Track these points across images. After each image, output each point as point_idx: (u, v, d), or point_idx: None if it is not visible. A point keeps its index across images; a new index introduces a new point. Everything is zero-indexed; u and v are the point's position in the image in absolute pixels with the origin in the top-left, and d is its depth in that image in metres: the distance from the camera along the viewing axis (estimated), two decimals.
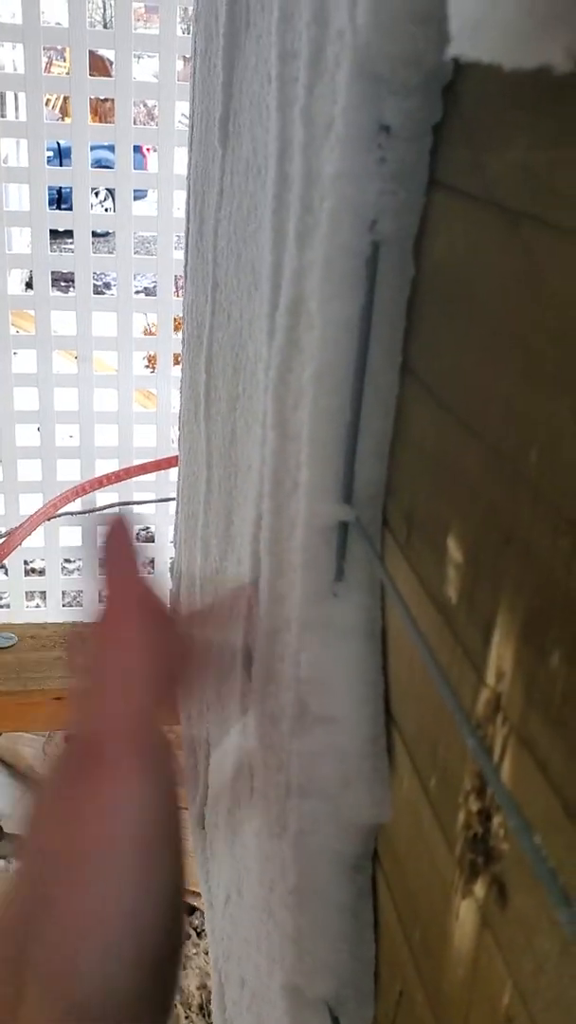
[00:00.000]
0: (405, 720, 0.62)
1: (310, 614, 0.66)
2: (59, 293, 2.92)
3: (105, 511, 2.96)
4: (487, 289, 0.49)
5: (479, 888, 0.51)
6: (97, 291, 3.04)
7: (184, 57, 2.64)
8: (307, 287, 0.64)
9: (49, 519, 2.20)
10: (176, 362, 3.08)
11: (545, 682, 0.43)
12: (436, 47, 0.48)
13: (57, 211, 2.75)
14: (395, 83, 0.51)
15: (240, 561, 0.97)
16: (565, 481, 0.41)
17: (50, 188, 2.69)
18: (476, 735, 0.49)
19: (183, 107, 2.75)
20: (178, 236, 2.77)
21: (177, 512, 1.80)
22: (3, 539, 1.93)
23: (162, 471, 2.98)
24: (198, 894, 3.11)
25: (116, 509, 3.03)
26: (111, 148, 2.67)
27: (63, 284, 5.28)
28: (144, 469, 2.61)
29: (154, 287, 2.93)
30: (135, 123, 2.66)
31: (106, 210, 3.60)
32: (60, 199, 3.46)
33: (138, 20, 2.68)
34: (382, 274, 0.58)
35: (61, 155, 6.51)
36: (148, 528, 4.08)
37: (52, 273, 2.81)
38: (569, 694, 0.41)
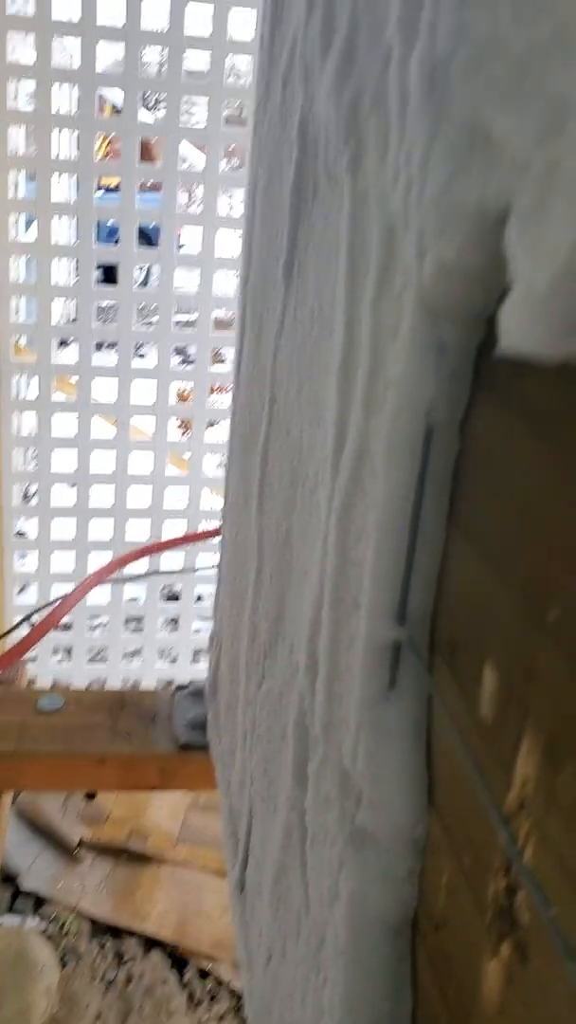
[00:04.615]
0: (445, 808, 0.78)
1: (366, 716, 0.82)
2: (99, 358, 3.12)
3: (139, 578, 3.14)
4: (516, 471, 0.66)
5: (504, 950, 0.66)
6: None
7: (228, 149, 2.86)
8: (371, 447, 0.80)
9: (101, 584, 2.37)
10: (208, 426, 3.27)
11: (560, 791, 0.58)
12: (483, 298, 0.65)
13: (104, 286, 2.96)
14: (452, 315, 0.69)
15: (293, 651, 1.13)
16: None
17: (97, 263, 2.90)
18: (505, 826, 0.64)
19: (224, 198, 2.97)
20: (216, 314, 2.98)
21: (219, 585, 1.96)
22: (54, 606, 2.09)
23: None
24: (210, 958, 3.19)
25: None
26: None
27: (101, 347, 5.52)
28: (185, 540, 2.78)
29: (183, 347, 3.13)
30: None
31: (144, 284, 3.83)
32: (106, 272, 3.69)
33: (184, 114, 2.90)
34: (434, 449, 0.75)
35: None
36: (171, 587, 4.24)
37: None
38: None
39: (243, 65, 3.01)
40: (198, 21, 2.75)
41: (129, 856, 3.35)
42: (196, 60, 3.08)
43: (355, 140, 0.87)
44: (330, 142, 0.95)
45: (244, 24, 2.75)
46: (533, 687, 0.62)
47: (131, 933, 3.09)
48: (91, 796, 3.55)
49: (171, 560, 3.33)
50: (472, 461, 0.74)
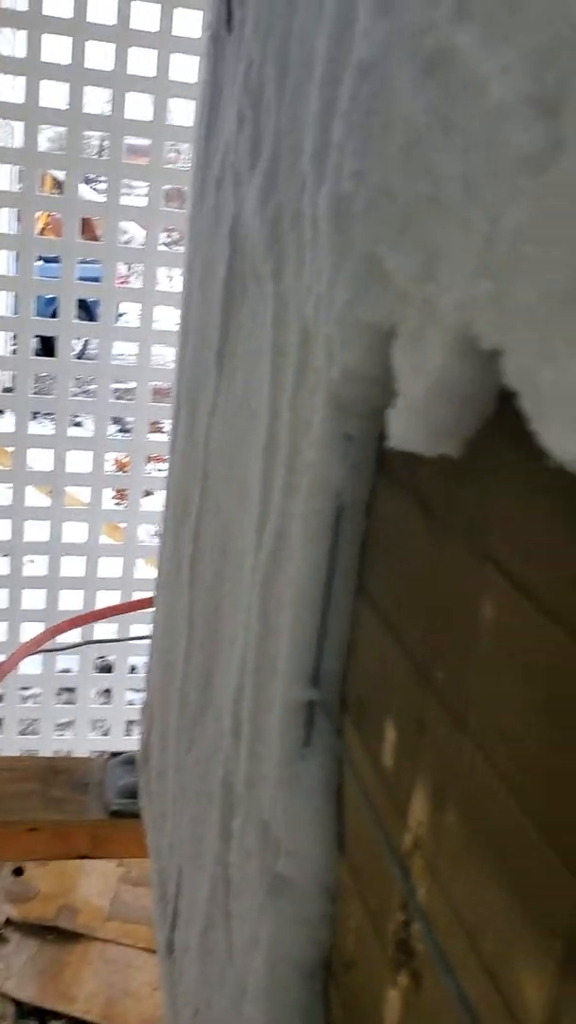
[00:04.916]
0: (354, 855, 0.87)
1: (283, 772, 0.91)
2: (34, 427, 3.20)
3: (71, 647, 3.18)
4: (411, 551, 0.76)
5: (402, 979, 0.75)
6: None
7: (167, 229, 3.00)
8: (289, 526, 0.91)
9: (33, 654, 2.42)
10: (144, 495, 3.36)
11: (445, 831, 0.68)
12: (381, 397, 0.76)
13: (42, 357, 3.06)
14: (356, 411, 0.80)
15: (219, 717, 1.21)
16: (460, 701, 0.67)
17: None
18: (400, 864, 0.74)
19: (163, 270, 3.09)
20: (152, 384, 3.09)
21: (151, 655, 2.03)
22: None
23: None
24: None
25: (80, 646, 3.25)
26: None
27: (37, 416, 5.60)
28: (116, 610, 2.85)
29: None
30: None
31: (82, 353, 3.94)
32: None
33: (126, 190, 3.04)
34: (343, 527, 0.85)
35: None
36: (104, 657, 4.27)
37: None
38: (461, 841, 0.66)
39: (187, 145, 3.18)
40: (139, 105, 2.92)
41: (57, 934, 3.33)
42: (138, 140, 3.23)
43: (277, 251, 0.99)
44: (256, 249, 1.07)
45: (185, 110, 2.91)
46: (424, 740, 0.72)
47: (58, 1015, 3.07)
48: (18, 872, 3.53)
49: (105, 630, 3.38)
50: (375, 539, 0.85)
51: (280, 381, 0.96)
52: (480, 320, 0.54)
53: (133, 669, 3.58)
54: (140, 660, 3.43)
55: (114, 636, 3.37)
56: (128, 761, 2.19)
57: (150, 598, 2.59)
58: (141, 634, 3.27)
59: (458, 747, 0.66)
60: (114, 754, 2.26)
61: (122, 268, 3.85)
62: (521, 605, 0.59)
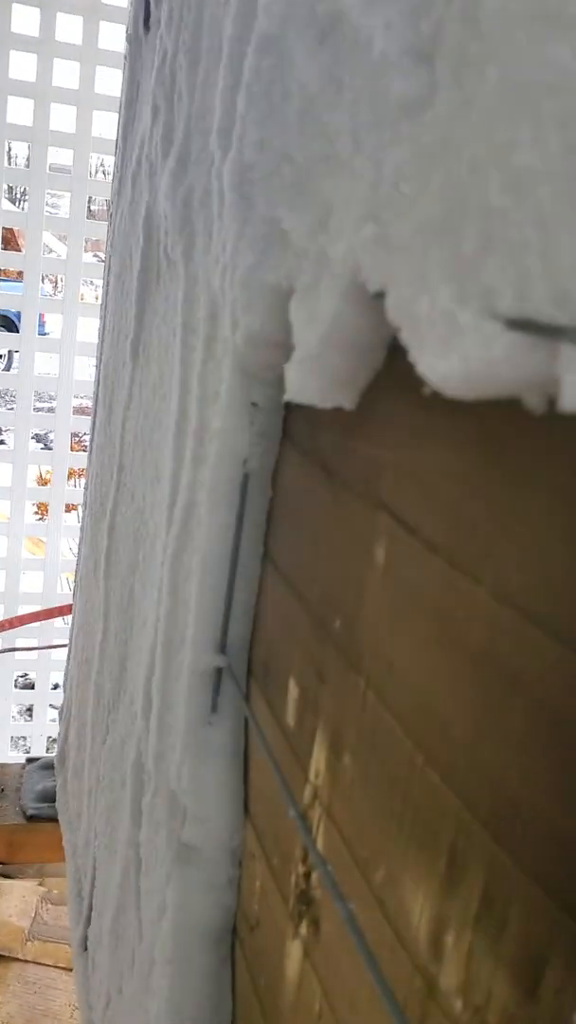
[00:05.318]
0: (258, 817, 0.88)
1: (190, 739, 0.92)
2: None
3: None
4: (312, 510, 0.79)
5: (303, 928, 0.76)
6: None
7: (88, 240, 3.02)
8: (198, 497, 0.93)
9: None
10: (67, 510, 3.35)
11: (340, 774, 0.70)
12: (284, 361, 0.79)
13: None
14: (261, 378, 0.82)
15: (132, 701, 1.22)
16: (355, 642, 0.70)
17: None
18: (301, 816, 0.76)
19: (87, 283, 3.11)
20: (77, 401, 3.09)
21: (70, 658, 2.03)
22: None
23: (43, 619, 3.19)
24: None
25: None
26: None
27: None
28: (36, 617, 2.82)
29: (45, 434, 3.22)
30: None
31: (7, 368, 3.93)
32: None
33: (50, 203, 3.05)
34: (250, 494, 0.87)
35: None
36: (27, 675, 4.22)
37: None
38: (355, 782, 0.68)
39: (112, 160, 3.20)
40: (64, 118, 2.93)
41: None
42: (62, 155, 3.25)
43: (188, 231, 1.01)
44: (169, 232, 1.10)
45: (109, 123, 2.94)
46: (323, 689, 0.74)
47: None
48: None
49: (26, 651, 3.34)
50: (281, 505, 0.88)
51: (190, 357, 0.98)
52: (366, 263, 0.57)
53: (56, 687, 3.54)
54: (63, 678, 3.40)
55: (35, 657, 3.34)
56: (46, 766, 2.17)
57: (68, 605, 2.58)
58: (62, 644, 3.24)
59: (352, 688, 0.69)
60: (31, 759, 2.24)
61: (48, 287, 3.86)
62: (407, 542, 0.62)
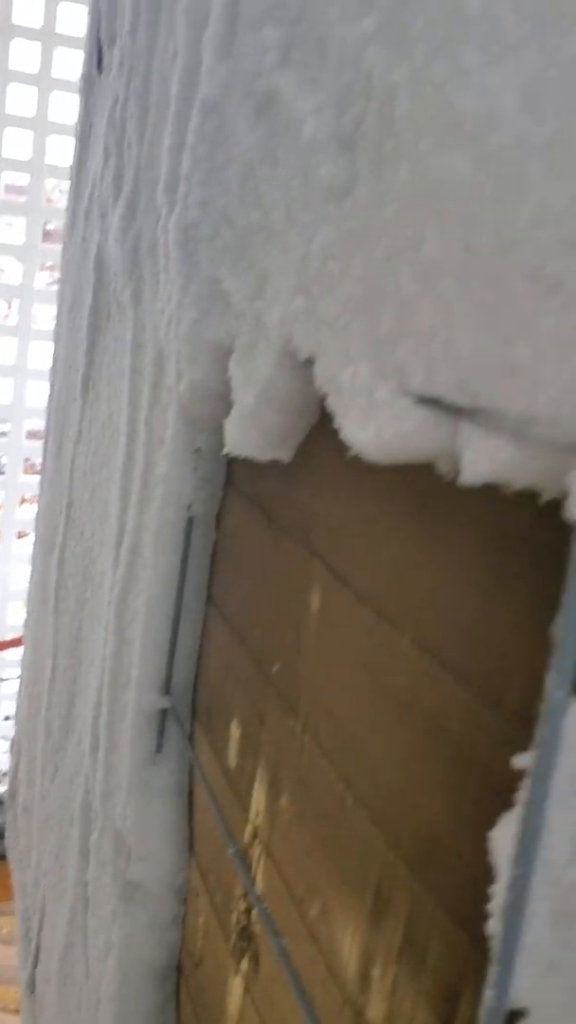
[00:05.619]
0: (202, 854, 0.92)
1: (135, 778, 0.95)
2: None
3: None
4: (254, 555, 0.83)
5: (244, 964, 0.80)
6: None
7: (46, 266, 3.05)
8: (143, 539, 0.97)
9: None
10: (19, 536, 3.36)
11: (279, 814, 0.74)
12: (226, 412, 0.84)
13: None
14: (204, 426, 0.87)
15: (80, 740, 1.25)
16: (293, 687, 0.74)
17: None
18: (240, 855, 0.79)
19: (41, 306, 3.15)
20: (30, 425, 3.11)
21: (20, 691, 2.05)
22: None
23: None
24: None
25: None
26: None
27: None
28: None
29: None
30: None
31: None
32: None
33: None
34: (194, 538, 0.92)
35: None
36: None
37: None
38: (292, 821, 0.72)
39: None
40: (17, 143, 2.97)
41: None
42: (17, 178, 3.28)
43: (136, 277, 1.06)
44: (118, 275, 1.14)
45: (63, 148, 2.98)
46: (263, 731, 0.79)
47: None
48: None
49: None
50: (224, 549, 0.92)
51: (137, 400, 1.03)
52: (298, 332, 0.62)
53: (7, 718, 3.54)
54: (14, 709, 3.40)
55: None
56: None
57: (18, 638, 2.59)
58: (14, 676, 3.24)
59: (290, 731, 0.73)
60: None
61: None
62: (339, 591, 0.67)
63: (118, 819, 0.99)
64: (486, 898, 0.48)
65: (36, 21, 2.83)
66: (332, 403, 0.57)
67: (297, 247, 0.62)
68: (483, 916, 0.50)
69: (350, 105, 0.56)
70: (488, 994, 0.44)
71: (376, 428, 0.52)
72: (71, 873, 1.22)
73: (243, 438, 0.70)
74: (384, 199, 0.52)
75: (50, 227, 3.42)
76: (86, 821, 1.16)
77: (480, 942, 0.51)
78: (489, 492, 0.53)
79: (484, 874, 0.51)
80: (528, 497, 0.49)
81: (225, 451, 0.72)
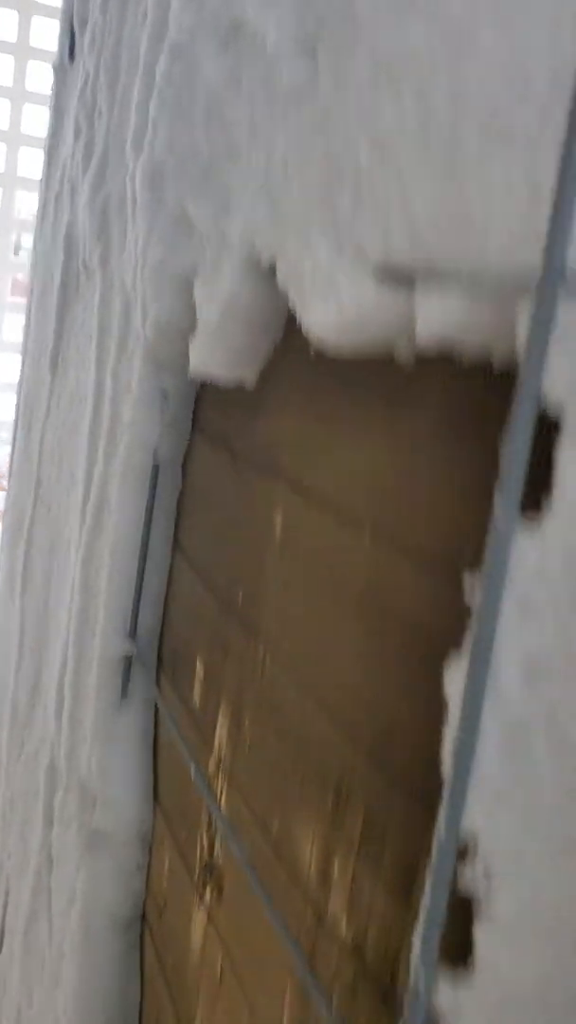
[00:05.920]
0: (165, 798, 0.92)
1: (99, 725, 0.96)
2: None
3: None
4: (219, 495, 0.84)
5: (207, 895, 0.80)
6: None
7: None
8: (110, 490, 0.98)
9: None
10: None
11: (241, 740, 0.75)
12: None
13: None
14: (170, 367, 0.88)
15: (46, 707, 1.25)
16: (255, 610, 0.75)
17: None
18: (206, 783, 0.80)
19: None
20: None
21: None
22: None
23: None
24: None
25: None
26: None
27: None
28: None
29: None
30: None
31: None
32: None
33: None
34: (160, 484, 0.93)
35: None
36: None
37: None
38: (253, 744, 0.73)
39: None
40: None
41: None
42: None
43: (105, 237, 1.08)
44: (87, 242, 1.16)
45: (34, 162, 3.02)
46: (227, 662, 0.79)
47: None
48: None
49: None
50: (190, 493, 0.93)
51: (104, 357, 1.04)
52: (259, 238, 0.64)
53: None
54: None
55: None
56: None
57: None
58: None
59: (252, 654, 0.74)
60: None
61: None
62: (301, 505, 0.68)
63: (82, 768, 0.99)
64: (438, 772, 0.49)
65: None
66: (293, 298, 0.59)
67: (259, 159, 0.65)
68: (439, 790, 0.51)
69: (310, 5, 0.58)
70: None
71: (337, 307, 0.53)
72: (35, 842, 1.21)
73: (208, 356, 0.72)
74: (344, 86, 0.54)
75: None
76: (51, 785, 1.15)
77: (436, 812, 0.52)
78: (443, 372, 0.54)
79: (435, 743, 0.52)
80: (479, 369, 0.50)
81: (191, 373, 0.74)
